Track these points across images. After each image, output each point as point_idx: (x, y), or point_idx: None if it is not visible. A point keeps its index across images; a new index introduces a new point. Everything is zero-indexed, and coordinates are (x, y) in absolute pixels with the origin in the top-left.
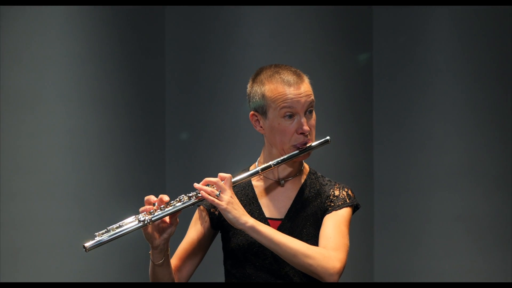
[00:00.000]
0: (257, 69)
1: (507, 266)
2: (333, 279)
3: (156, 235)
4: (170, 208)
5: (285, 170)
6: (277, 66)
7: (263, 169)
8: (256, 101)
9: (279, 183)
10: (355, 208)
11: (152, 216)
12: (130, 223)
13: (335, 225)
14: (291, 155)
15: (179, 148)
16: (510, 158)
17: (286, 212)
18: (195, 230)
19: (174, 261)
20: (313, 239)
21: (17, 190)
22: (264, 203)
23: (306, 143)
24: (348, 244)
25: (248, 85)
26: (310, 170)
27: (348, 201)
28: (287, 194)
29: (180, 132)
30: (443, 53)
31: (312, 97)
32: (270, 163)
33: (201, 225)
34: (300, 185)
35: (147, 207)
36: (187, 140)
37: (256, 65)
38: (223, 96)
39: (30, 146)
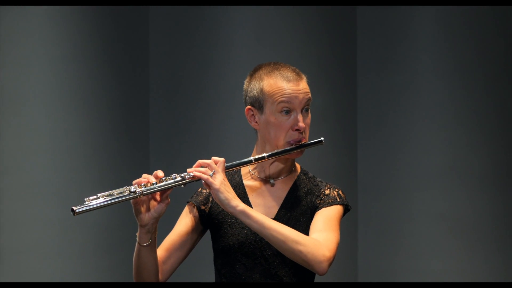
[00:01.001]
0: (255, 66)
1: (491, 266)
2: (323, 266)
3: (145, 211)
4: (163, 184)
5: (276, 169)
6: (276, 63)
7: (256, 159)
8: (253, 96)
9: (270, 182)
10: (346, 209)
11: (144, 189)
12: (120, 193)
13: (325, 220)
14: (285, 149)
15: (162, 148)
16: (493, 157)
17: (276, 211)
18: (184, 223)
19: (159, 252)
20: None
21: None
22: (255, 202)
23: (300, 141)
24: (339, 238)
25: (246, 81)
26: (301, 170)
27: (338, 200)
28: (278, 193)
29: (164, 133)
30: (426, 53)
31: (310, 95)
32: (264, 154)
33: (190, 219)
34: (291, 185)
35: (140, 179)
36: (171, 140)
37: (240, 64)
38: (207, 96)
39: (12, 146)
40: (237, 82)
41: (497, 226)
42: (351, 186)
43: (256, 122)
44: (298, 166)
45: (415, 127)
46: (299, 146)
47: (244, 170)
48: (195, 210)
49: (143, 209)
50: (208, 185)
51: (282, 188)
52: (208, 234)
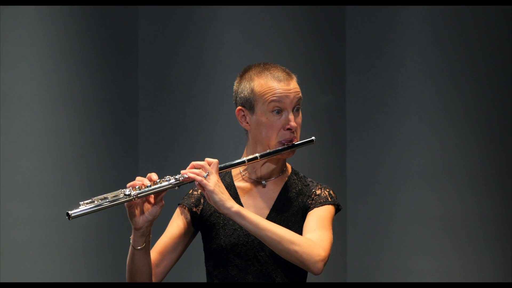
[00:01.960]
0: (245, 67)
1: (479, 265)
2: (318, 266)
3: (140, 214)
4: (157, 186)
5: (268, 169)
6: (266, 63)
7: (249, 160)
8: (244, 96)
9: (261, 183)
10: (337, 209)
11: (138, 192)
12: (115, 196)
13: (318, 219)
14: (277, 149)
15: (152, 148)
16: (481, 158)
17: (268, 212)
18: (175, 225)
19: (152, 255)
20: None
21: None
22: (246, 203)
23: (291, 140)
24: (332, 237)
25: (236, 82)
26: (292, 171)
27: (329, 200)
28: (269, 194)
29: (153, 133)
30: (416, 53)
31: (300, 95)
32: (256, 154)
33: (182, 221)
34: (282, 186)
35: (134, 182)
36: (160, 140)
37: (229, 65)
38: (197, 96)
39: (0, 146)
40: (226, 82)
41: (485, 226)
42: (340, 186)
43: (247, 123)
44: (289, 166)
45: (404, 127)
46: (291, 146)
47: (235, 171)
48: (186, 212)
49: (137, 212)
50: (202, 186)
51: (273, 189)
52: (198, 235)
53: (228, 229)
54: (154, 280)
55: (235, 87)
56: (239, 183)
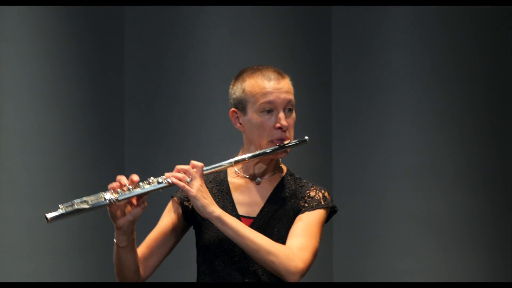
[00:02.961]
0: (240, 69)
1: (465, 265)
2: (294, 278)
3: (121, 215)
4: (138, 190)
5: (261, 169)
6: (260, 65)
7: (236, 161)
8: (236, 97)
9: (255, 181)
10: (332, 211)
11: (118, 195)
12: (95, 200)
13: (305, 226)
14: (266, 151)
15: (138, 149)
16: (467, 157)
17: (260, 209)
18: (167, 220)
19: (141, 249)
20: (283, 239)
21: None
22: (238, 200)
23: (283, 139)
24: (317, 246)
25: (230, 85)
26: (287, 171)
27: (323, 203)
28: (262, 192)
29: (140, 134)
30: (402, 52)
31: (292, 96)
32: (244, 156)
33: (174, 216)
34: (275, 184)
35: (115, 184)
36: (146, 141)
37: (216, 65)
38: (183, 97)
39: None
40: (213, 82)
41: (472, 226)
42: (326, 186)
43: (240, 124)
44: (284, 167)
45: (390, 127)
46: (281, 147)
47: (230, 168)
48: (178, 205)
49: (118, 213)
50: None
51: (266, 187)
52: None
53: None
54: (142, 273)
55: (229, 90)
56: (232, 179)
